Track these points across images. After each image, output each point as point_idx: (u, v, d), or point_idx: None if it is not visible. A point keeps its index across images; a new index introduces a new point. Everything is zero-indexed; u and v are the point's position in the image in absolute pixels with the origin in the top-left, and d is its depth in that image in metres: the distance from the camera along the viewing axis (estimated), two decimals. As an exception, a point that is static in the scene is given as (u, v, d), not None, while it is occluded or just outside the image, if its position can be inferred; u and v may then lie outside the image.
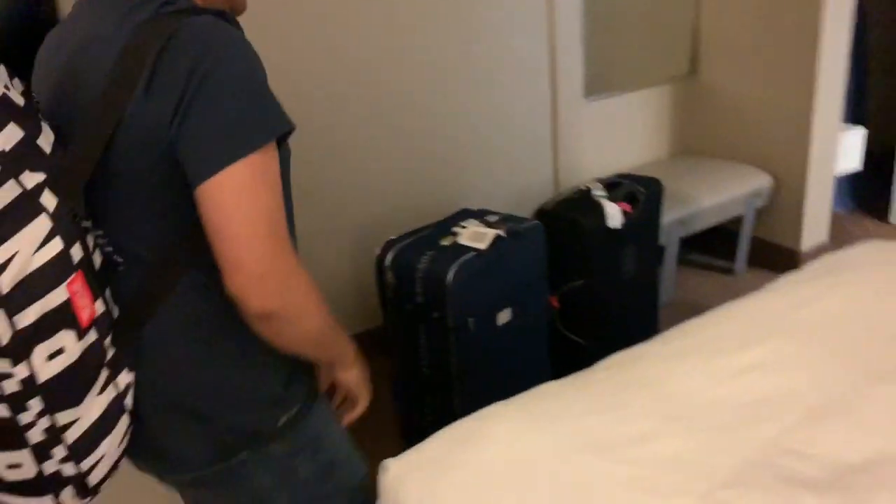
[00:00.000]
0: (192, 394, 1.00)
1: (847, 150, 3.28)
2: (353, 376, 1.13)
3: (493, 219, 2.19)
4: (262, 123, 0.89)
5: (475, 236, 2.08)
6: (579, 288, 2.46)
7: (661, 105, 3.32)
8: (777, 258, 3.12)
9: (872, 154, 3.72)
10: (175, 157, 0.88)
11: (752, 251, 3.16)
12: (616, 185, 2.56)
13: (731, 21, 3.09)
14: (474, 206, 2.38)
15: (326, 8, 2.33)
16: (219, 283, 0.90)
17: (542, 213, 2.49)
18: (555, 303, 2.45)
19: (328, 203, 2.52)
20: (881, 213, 3.58)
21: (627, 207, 2.49)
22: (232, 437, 1.02)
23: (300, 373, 1.07)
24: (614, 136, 3.20)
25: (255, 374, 1.02)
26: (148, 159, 0.89)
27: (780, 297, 1.52)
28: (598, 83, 3.09)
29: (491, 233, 2.08)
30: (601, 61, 3.08)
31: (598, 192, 2.50)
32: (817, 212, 3.08)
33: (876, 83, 3.74)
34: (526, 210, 2.60)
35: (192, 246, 0.93)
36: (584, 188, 2.54)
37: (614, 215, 2.45)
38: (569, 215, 2.44)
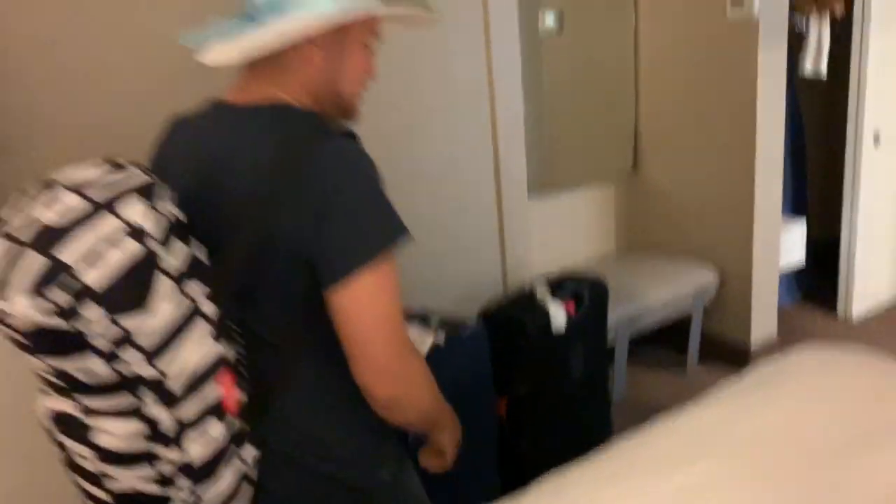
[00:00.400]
0: (305, 453, 1.12)
1: (790, 242, 3.33)
2: (446, 438, 1.28)
3: (434, 322, 2.14)
4: (386, 234, 1.01)
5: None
6: (526, 393, 2.40)
7: (606, 202, 3.35)
8: (728, 354, 3.11)
9: (816, 244, 3.78)
10: (309, 263, 1.00)
11: (703, 347, 3.14)
12: (560, 286, 2.54)
13: (670, 118, 3.17)
14: (421, 304, 2.33)
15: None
16: (334, 364, 1.05)
17: (487, 316, 2.45)
18: (502, 410, 2.38)
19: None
20: (829, 305, 3.61)
21: (572, 308, 2.47)
22: (338, 492, 1.15)
23: (395, 436, 1.22)
24: (560, 233, 3.22)
25: (361, 437, 1.16)
26: (285, 265, 1.01)
27: (714, 411, 1.48)
28: (543, 181, 3.11)
29: (429, 341, 2.03)
30: (545, 160, 3.12)
31: (543, 293, 2.47)
32: (764, 306, 3.09)
33: (813, 173, 3.84)
34: (475, 307, 2.56)
35: (314, 336, 1.07)
36: (528, 289, 2.51)
37: (559, 316, 2.42)
38: (513, 317, 2.40)
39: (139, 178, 0.92)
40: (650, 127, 3.27)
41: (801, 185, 3.64)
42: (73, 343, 0.85)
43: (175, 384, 0.91)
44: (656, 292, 2.94)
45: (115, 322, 0.85)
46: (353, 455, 1.15)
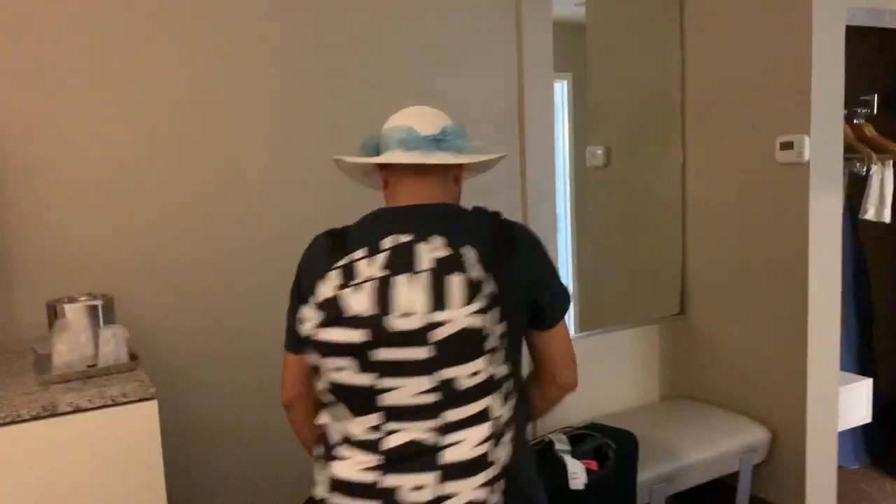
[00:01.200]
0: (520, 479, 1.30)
1: (854, 401, 3.03)
2: None
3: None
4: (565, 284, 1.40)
5: None
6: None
7: (650, 346, 3.16)
8: (780, 522, 2.80)
9: (883, 404, 3.46)
10: (530, 307, 1.31)
11: (751, 512, 2.84)
12: (583, 439, 2.36)
13: (718, 262, 3.01)
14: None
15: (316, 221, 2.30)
16: (514, 400, 1.23)
17: (501, 467, 2.27)
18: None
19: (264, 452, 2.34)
20: (900, 471, 3.25)
21: (594, 465, 2.27)
22: None
23: None
24: (600, 377, 3.03)
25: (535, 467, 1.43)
26: (515, 308, 1.25)
27: None
28: (582, 320, 2.97)
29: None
30: (584, 297, 2.99)
31: (561, 447, 2.29)
32: (822, 470, 2.79)
33: (880, 331, 3.55)
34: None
35: (512, 373, 1.21)
36: (546, 440, 2.33)
37: (577, 474, 2.22)
38: (527, 472, 2.21)
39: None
40: (698, 270, 3.11)
41: (867, 344, 3.36)
42: (481, 344, 1.07)
43: (507, 386, 1.15)
44: (700, 449, 2.69)
45: (496, 323, 1.11)
46: (537, 480, 1.41)
